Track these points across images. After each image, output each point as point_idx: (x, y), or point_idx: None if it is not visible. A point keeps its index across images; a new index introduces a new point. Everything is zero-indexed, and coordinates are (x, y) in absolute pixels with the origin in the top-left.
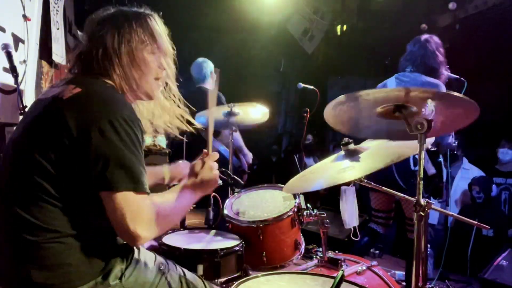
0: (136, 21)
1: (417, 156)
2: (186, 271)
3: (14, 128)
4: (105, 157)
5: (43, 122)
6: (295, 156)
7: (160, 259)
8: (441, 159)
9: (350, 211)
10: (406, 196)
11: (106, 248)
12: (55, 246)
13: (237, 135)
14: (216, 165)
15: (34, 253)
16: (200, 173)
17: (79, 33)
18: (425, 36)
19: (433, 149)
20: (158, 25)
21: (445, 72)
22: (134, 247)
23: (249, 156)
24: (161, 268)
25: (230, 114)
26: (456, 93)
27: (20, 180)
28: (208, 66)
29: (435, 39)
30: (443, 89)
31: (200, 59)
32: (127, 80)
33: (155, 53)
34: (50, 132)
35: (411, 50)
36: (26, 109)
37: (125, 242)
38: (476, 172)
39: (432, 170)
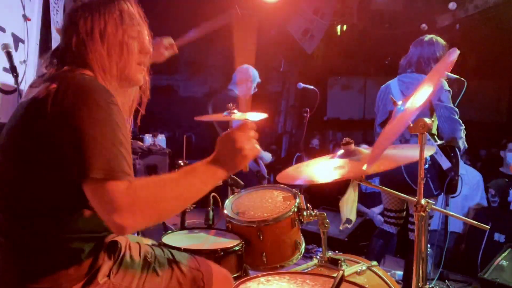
0: (110, 5)
1: (427, 156)
2: (174, 252)
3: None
4: (77, 146)
5: (25, 125)
6: (295, 155)
7: (145, 247)
8: (457, 152)
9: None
10: (407, 197)
11: (92, 248)
12: (42, 250)
13: None
14: (252, 135)
15: (22, 258)
16: (223, 142)
17: (54, 31)
18: (427, 37)
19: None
20: (133, 7)
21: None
22: (120, 243)
23: (266, 157)
24: (148, 257)
25: (229, 114)
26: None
27: (6, 186)
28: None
29: (436, 40)
30: (445, 85)
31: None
32: (107, 66)
33: (135, 37)
34: (32, 134)
35: (410, 50)
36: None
37: (111, 239)
38: (472, 175)
39: (446, 164)
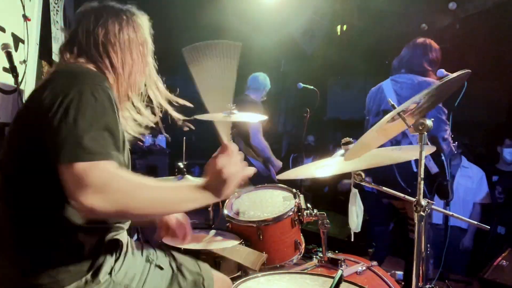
0: (126, 17)
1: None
2: (176, 254)
3: None
4: (62, 130)
5: (22, 115)
6: (291, 156)
7: (148, 248)
8: (443, 157)
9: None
10: (407, 197)
11: (94, 245)
12: (43, 246)
13: (265, 146)
14: (237, 159)
15: (22, 253)
16: (210, 169)
17: (61, 26)
18: (418, 39)
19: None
20: (144, 23)
21: (438, 74)
22: (121, 241)
23: (278, 165)
24: (150, 257)
25: (228, 114)
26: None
27: (9, 179)
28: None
29: (428, 42)
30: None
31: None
32: (117, 72)
33: (141, 51)
34: (26, 122)
35: (403, 51)
36: None
37: (114, 238)
38: (476, 170)
39: (434, 169)
